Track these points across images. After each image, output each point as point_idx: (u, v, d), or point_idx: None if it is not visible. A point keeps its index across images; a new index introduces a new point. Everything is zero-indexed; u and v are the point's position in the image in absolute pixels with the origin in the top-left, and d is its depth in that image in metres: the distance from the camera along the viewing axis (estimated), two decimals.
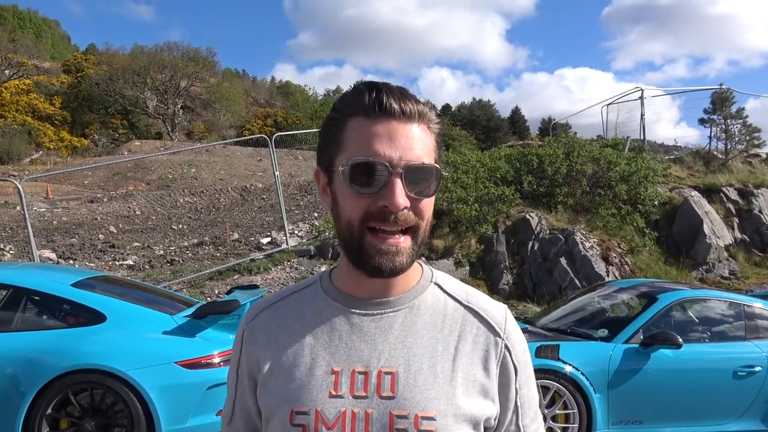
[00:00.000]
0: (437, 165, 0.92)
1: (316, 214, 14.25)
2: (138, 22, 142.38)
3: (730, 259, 11.00)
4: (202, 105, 47.57)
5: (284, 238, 11.27)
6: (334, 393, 0.91)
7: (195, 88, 45.99)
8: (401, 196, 0.87)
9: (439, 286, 1.01)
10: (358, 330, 0.95)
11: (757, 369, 4.74)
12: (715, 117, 15.04)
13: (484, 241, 10.38)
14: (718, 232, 11.20)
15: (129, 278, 8.48)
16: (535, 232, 10.32)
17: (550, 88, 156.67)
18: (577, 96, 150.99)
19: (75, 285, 4.51)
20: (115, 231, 14.18)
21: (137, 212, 16.78)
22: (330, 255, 10.56)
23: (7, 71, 41.44)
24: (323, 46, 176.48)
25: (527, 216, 10.57)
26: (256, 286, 6.54)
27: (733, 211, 11.94)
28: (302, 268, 10.23)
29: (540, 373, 4.38)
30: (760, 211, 11.82)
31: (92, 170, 23.74)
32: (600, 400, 4.54)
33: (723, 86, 15.16)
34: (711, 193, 12.19)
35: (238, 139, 30.92)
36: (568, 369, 4.52)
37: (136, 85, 42.33)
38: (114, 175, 23.88)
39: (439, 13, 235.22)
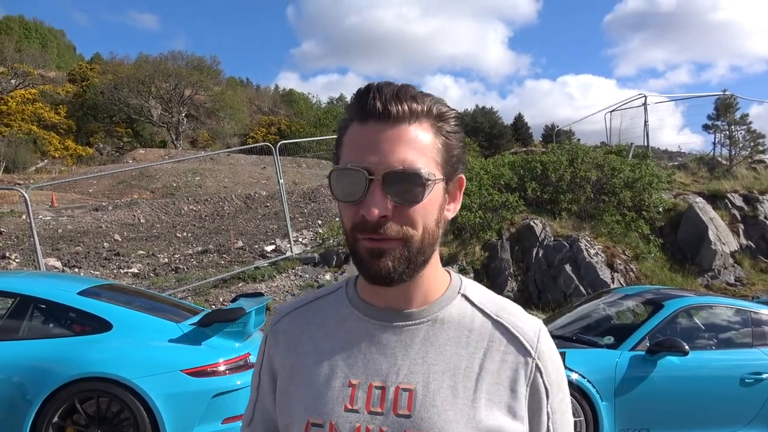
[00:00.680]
0: (419, 168, 0.83)
1: (320, 222, 14.26)
2: (143, 32, 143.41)
3: (735, 265, 10.96)
4: (206, 113, 47.75)
5: (288, 245, 11.28)
6: (349, 407, 0.88)
7: (199, 96, 46.20)
8: (377, 206, 0.82)
9: (467, 298, 0.95)
10: (377, 342, 0.91)
11: (764, 376, 4.71)
12: (718, 123, 15.04)
13: (488, 248, 10.37)
14: (724, 238, 11.16)
15: (134, 286, 8.50)
16: (540, 239, 10.30)
17: (552, 95, 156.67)
18: (580, 103, 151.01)
19: (81, 293, 4.53)
20: (120, 239, 14.22)
21: (142, 220, 16.82)
22: (334, 262, 10.57)
23: (13, 81, 41.74)
24: (326, 54, 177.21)
25: (531, 223, 10.56)
26: (260, 294, 6.54)
27: (738, 218, 11.91)
28: (306, 275, 10.23)
29: None
30: (766, 218, 11.78)
31: (97, 179, 23.85)
32: (606, 407, 4.52)
33: (726, 92, 15.17)
34: (716, 199, 12.16)
35: (242, 147, 31.05)
36: (574, 377, 4.50)
37: (140, 94, 42.56)
38: (119, 183, 23.97)
39: (441, 21, 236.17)
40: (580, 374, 4.52)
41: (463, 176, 0.93)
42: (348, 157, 0.86)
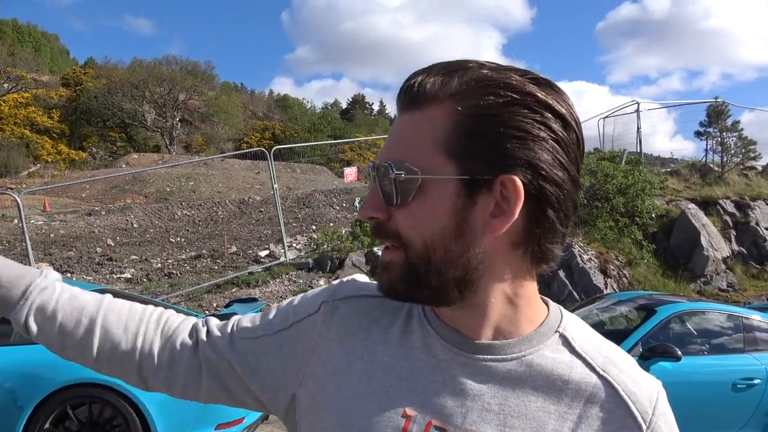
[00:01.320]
0: (390, 160, 0.68)
1: (314, 227, 14.26)
2: (138, 36, 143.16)
3: (727, 271, 11.03)
4: (201, 118, 47.75)
5: (282, 250, 11.27)
6: None
7: (193, 101, 46.21)
8: (367, 204, 0.71)
9: (566, 340, 0.73)
10: (445, 372, 0.71)
11: (756, 381, 4.73)
12: (710, 130, 15.16)
13: None
14: (716, 244, 11.24)
15: (127, 291, 8.47)
16: None
17: None
18: None
19: None
20: (113, 244, 14.16)
21: (135, 225, 16.77)
22: (328, 268, 10.56)
23: (5, 85, 41.58)
24: (321, 60, 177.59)
25: None
26: (254, 299, 6.54)
27: (730, 224, 11.99)
28: (300, 281, 10.21)
29: None
30: (757, 224, 11.87)
31: (90, 183, 23.77)
32: None
33: (718, 99, 15.31)
34: (708, 205, 12.24)
35: (237, 152, 31.04)
36: None
37: (134, 99, 42.54)
38: (112, 188, 23.90)
39: (436, 27, 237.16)
40: None
41: (518, 179, 0.65)
42: None
